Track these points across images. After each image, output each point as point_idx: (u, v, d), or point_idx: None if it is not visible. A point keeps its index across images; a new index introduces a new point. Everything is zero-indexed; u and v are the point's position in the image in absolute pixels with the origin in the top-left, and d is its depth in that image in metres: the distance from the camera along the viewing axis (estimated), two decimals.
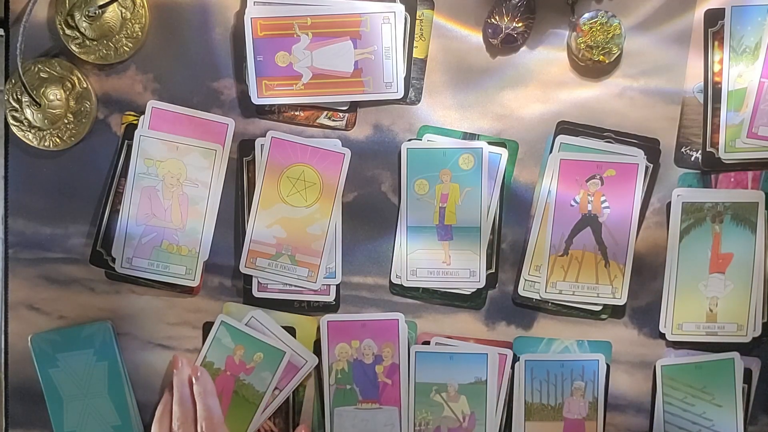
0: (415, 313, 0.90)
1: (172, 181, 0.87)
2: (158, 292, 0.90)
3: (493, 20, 0.86)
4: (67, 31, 0.86)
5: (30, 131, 0.88)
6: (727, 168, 0.88)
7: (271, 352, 0.88)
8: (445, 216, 0.88)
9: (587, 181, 0.87)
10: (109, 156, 0.88)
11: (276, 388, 0.88)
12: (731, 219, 0.87)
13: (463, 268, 0.88)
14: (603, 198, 0.87)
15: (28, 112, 0.87)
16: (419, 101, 0.88)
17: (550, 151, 0.87)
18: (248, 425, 0.88)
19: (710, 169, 0.88)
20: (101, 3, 0.85)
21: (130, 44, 0.87)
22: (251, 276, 0.88)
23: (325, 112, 0.88)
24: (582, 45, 0.85)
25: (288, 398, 0.89)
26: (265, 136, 0.87)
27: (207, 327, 0.89)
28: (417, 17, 0.87)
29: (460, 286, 0.89)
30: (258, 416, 0.89)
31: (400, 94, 0.87)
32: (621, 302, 0.88)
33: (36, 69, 0.87)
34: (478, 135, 0.88)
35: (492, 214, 0.88)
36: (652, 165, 0.87)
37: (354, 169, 0.88)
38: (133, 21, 0.86)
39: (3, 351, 0.90)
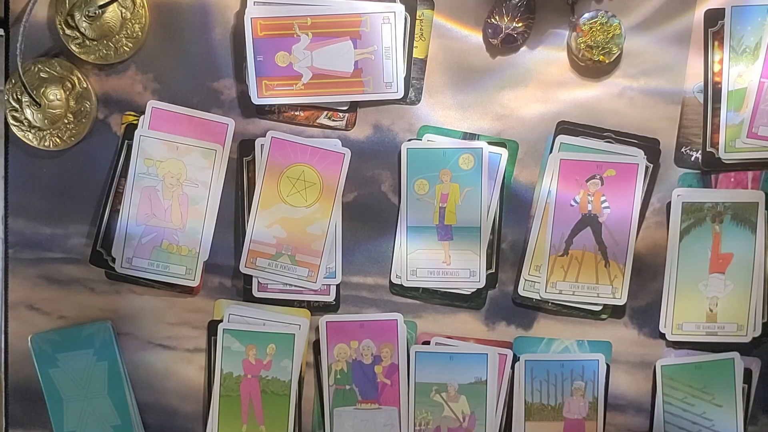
0: (415, 313, 0.90)
1: (172, 181, 0.87)
2: (158, 292, 0.90)
3: (493, 20, 0.86)
4: (67, 31, 0.86)
5: (30, 131, 0.88)
6: (727, 168, 0.88)
7: (281, 339, 0.88)
8: (445, 216, 0.88)
9: (587, 181, 0.87)
10: (109, 156, 0.88)
11: None
12: (731, 219, 0.87)
13: (463, 268, 0.88)
14: (603, 198, 0.87)
15: (28, 112, 0.87)
16: (419, 101, 0.88)
17: (550, 151, 0.87)
18: (287, 418, 0.88)
19: (710, 169, 0.88)
20: (101, 3, 0.85)
21: (130, 44, 0.87)
22: (251, 276, 0.88)
23: (325, 112, 0.88)
24: (582, 45, 0.85)
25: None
26: (265, 136, 0.87)
27: (212, 326, 0.89)
28: (417, 17, 0.87)
29: (460, 286, 0.89)
30: (293, 406, 0.88)
31: (400, 94, 0.87)
32: (621, 302, 0.88)
33: (36, 69, 0.87)
34: (478, 135, 0.88)
35: (492, 214, 0.88)
36: (652, 165, 0.87)
37: (354, 169, 0.88)
38: (133, 21, 0.86)
39: (3, 351, 0.90)
